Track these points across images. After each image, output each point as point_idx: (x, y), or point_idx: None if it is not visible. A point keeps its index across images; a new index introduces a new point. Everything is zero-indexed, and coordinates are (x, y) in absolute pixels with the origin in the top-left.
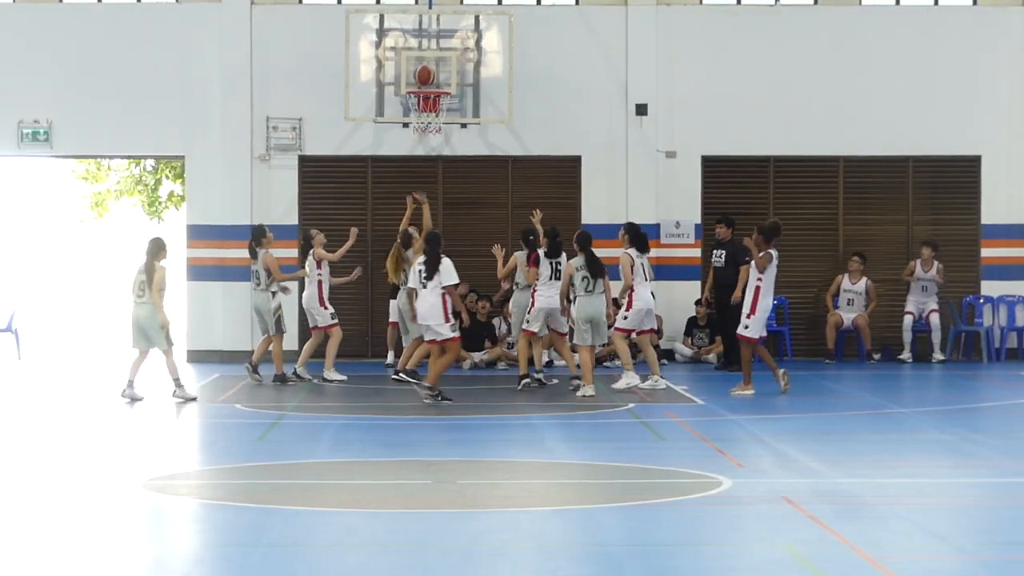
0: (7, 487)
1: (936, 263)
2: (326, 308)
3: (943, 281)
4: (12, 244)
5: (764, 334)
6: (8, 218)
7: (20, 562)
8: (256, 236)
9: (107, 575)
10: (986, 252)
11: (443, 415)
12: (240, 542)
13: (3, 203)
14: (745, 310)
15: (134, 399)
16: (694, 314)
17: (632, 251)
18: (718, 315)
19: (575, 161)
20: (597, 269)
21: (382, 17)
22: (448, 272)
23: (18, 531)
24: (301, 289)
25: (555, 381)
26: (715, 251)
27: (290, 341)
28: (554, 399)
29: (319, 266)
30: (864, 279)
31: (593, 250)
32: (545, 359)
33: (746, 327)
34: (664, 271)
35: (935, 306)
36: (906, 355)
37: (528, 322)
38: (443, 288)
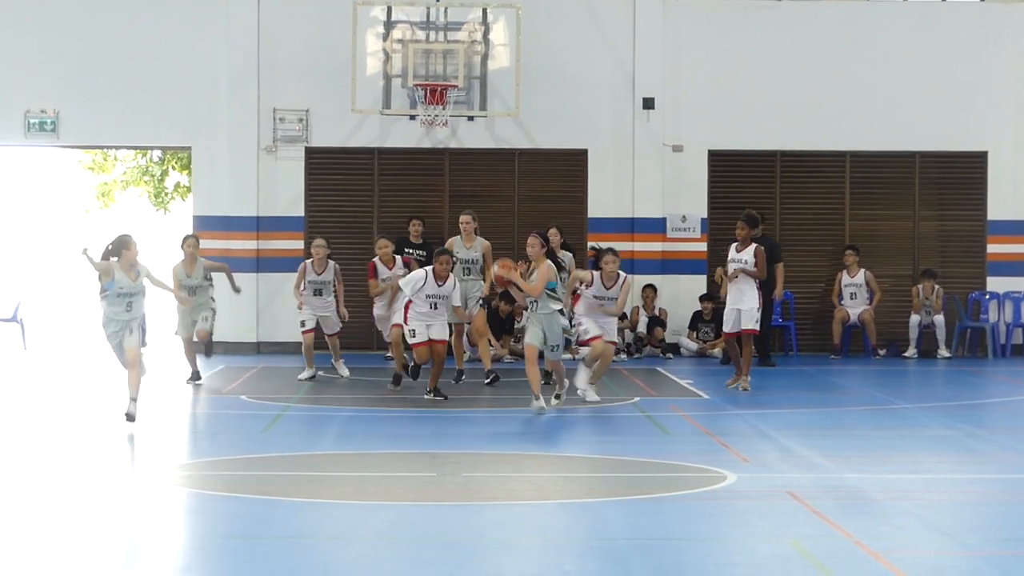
0: (11, 479)
1: (936, 288)
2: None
3: (943, 307)
4: (18, 234)
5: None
6: (14, 208)
7: (23, 554)
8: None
9: (110, 565)
10: (992, 248)
11: (449, 408)
12: (244, 533)
13: (9, 193)
14: (754, 304)
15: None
16: (699, 308)
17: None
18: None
19: (582, 154)
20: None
21: (389, 9)
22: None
23: (21, 523)
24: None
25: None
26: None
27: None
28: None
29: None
30: (862, 271)
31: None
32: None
33: (756, 320)
34: (670, 265)
35: (940, 313)
36: (911, 351)
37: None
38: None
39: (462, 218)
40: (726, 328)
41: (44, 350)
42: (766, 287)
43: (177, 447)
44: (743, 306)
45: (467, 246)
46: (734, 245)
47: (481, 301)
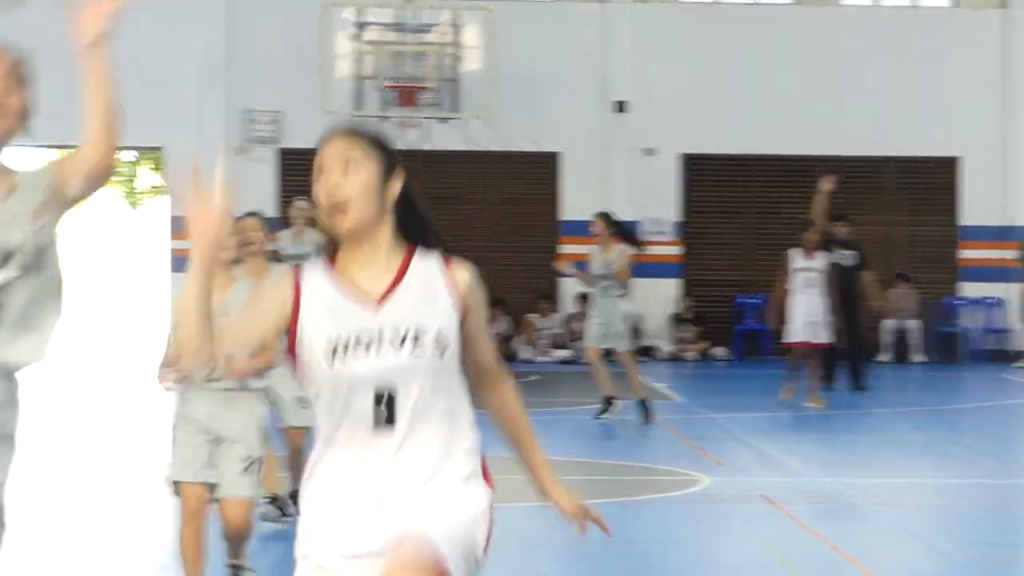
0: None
1: (909, 293)
2: None
3: (915, 313)
4: None
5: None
6: None
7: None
8: None
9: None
10: (964, 254)
11: None
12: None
13: None
14: (828, 316)
15: None
16: (676, 311)
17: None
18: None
19: (554, 157)
20: None
21: (360, 10)
22: None
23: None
24: None
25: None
26: (839, 250)
27: None
28: (536, 395)
29: None
30: None
31: None
32: None
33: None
34: (643, 269)
35: (912, 315)
36: (885, 356)
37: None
38: None
39: (297, 204)
40: (795, 338)
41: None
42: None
43: None
44: (818, 317)
45: (293, 242)
46: (793, 252)
47: None
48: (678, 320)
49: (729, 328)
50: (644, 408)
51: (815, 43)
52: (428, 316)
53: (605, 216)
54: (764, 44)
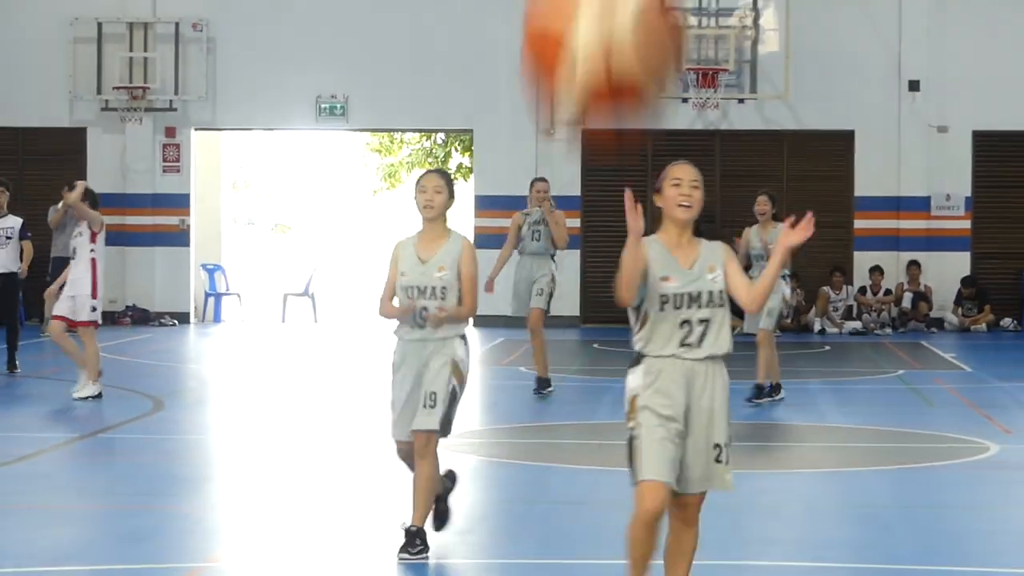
0: (299, 444)
1: None
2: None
3: None
4: (310, 213)
5: None
6: (306, 188)
7: (305, 519)
8: None
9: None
10: None
11: None
12: (523, 498)
13: (302, 174)
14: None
15: None
16: (962, 284)
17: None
18: None
19: (848, 136)
20: None
21: None
22: None
23: (305, 490)
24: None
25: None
26: None
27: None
28: (828, 366)
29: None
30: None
31: None
32: None
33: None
34: (934, 243)
35: None
36: None
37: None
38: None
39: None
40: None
41: (333, 323)
42: None
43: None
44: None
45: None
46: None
47: None
48: (962, 297)
49: (1017, 299)
50: (761, 391)
51: None
52: None
53: (772, 196)
54: None
